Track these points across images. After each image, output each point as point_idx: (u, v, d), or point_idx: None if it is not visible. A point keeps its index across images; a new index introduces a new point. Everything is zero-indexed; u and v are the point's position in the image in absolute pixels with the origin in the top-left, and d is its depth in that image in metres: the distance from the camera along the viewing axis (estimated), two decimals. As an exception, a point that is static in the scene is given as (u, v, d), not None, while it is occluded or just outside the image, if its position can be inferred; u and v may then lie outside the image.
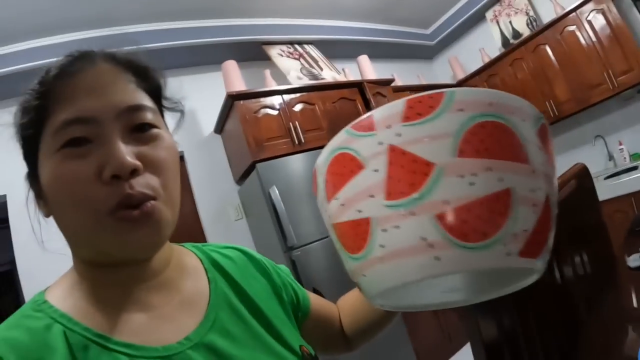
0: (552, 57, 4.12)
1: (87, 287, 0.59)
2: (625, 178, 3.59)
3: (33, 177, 0.60)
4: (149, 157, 0.57)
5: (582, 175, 1.75)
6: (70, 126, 0.53)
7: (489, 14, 4.74)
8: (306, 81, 3.52)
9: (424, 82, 4.79)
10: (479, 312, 1.01)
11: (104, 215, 0.53)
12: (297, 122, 3.14)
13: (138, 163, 0.54)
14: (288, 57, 3.69)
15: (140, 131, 0.58)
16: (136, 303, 0.60)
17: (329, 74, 3.78)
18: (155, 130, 0.60)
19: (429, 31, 5.14)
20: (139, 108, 0.59)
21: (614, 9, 3.68)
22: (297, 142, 3.09)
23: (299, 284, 0.89)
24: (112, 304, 0.58)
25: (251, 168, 2.96)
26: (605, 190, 3.52)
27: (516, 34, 4.50)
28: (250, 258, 0.83)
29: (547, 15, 4.26)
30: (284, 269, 0.90)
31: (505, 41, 4.62)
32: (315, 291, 0.92)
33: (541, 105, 4.23)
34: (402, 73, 4.74)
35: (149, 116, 0.60)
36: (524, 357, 1.09)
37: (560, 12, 4.01)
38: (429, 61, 5.57)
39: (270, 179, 2.82)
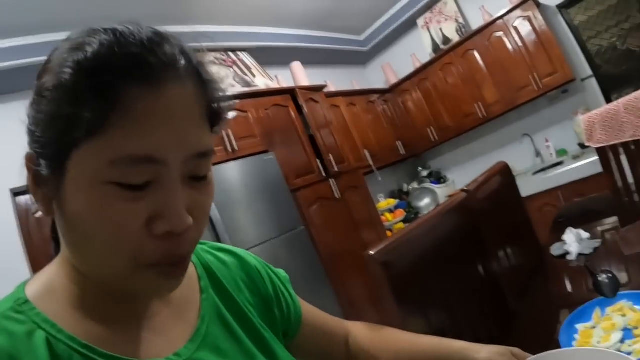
0: (481, 62, 4.29)
1: (74, 291, 0.52)
2: (552, 173, 3.79)
3: (48, 169, 0.47)
4: (200, 206, 0.51)
5: (504, 173, 1.80)
6: (136, 165, 0.44)
7: (420, 21, 4.85)
8: (239, 89, 3.47)
9: (357, 87, 4.82)
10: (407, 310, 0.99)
11: (142, 266, 0.48)
12: (230, 130, 3.07)
13: (191, 221, 0.48)
14: (221, 64, 3.62)
15: (197, 179, 0.51)
16: (125, 313, 0.55)
17: (261, 81, 3.74)
18: (209, 175, 0.53)
19: (362, 38, 5.19)
20: (207, 155, 0.50)
21: (540, 16, 3.89)
22: (230, 150, 3.02)
23: (293, 294, 0.82)
24: (100, 312, 0.53)
25: (185, 178, 2.87)
26: (534, 185, 3.68)
27: (446, 40, 4.64)
28: (243, 265, 0.76)
29: (476, 22, 4.42)
30: (282, 275, 0.84)
31: (435, 47, 4.75)
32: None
33: (471, 107, 4.42)
34: (336, 79, 4.75)
35: (209, 164, 0.52)
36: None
37: (489, 19, 4.18)
38: (362, 67, 5.63)
39: (203, 189, 2.74)
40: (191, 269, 0.68)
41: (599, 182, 3.39)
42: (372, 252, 0.96)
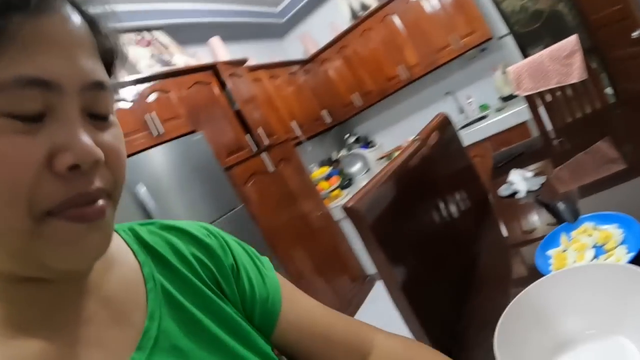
0: (400, 25, 4.35)
1: None
2: (477, 126, 4.01)
3: None
4: (110, 147, 0.44)
5: (444, 125, 1.83)
6: (26, 88, 0.37)
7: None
8: (158, 68, 3.29)
9: (277, 60, 4.73)
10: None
11: (44, 214, 0.39)
12: (153, 113, 2.91)
13: (102, 153, 0.42)
14: (136, 45, 3.42)
15: (98, 117, 0.44)
16: (50, 325, 0.45)
17: (181, 59, 3.58)
18: (112, 117, 0.47)
19: (277, 9, 5.09)
20: (105, 87, 0.45)
21: (457, -22, 3.99)
22: (156, 133, 2.87)
23: (266, 274, 0.67)
24: (17, 328, 0.43)
25: (111, 168, 2.69)
26: (461, 139, 3.82)
27: (364, 6, 4.64)
28: (194, 240, 0.63)
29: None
30: (266, 263, 0.70)
31: (354, 13, 4.74)
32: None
33: (393, 70, 4.50)
34: (255, 53, 4.61)
35: (110, 100, 0.46)
36: (432, 285, 1.09)
37: (407, -16, 4.22)
38: (279, 40, 5.52)
39: (134, 177, 2.59)
40: (129, 257, 0.57)
41: (521, 131, 3.64)
42: (350, 204, 0.93)
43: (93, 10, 0.47)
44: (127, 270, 0.55)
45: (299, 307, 0.68)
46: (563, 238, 1.04)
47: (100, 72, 0.45)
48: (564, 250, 1.00)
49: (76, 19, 0.43)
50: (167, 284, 0.56)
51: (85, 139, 0.40)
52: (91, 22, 0.46)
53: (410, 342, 0.73)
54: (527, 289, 0.77)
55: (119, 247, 0.57)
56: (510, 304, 0.75)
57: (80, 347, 0.45)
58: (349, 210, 0.93)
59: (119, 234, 0.59)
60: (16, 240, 0.39)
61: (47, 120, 0.39)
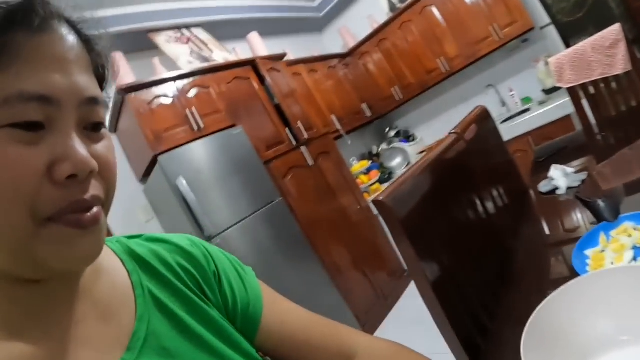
0: (440, 17, 4.28)
1: None
2: (519, 120, 3.90)
3: None
4: (102, 159, 0.48)
5: (483, 118, 1.80)
6: (28, 102, 0.41)
7: (375, -19, 4.77)
8: (197, 65, 3.36)
9: (315, 54, 4.73)
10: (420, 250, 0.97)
11: (45, 220, 0.43)
12: (193, 108, 2.98)
13: (96, 164, 0.46)
14: (176, 42, 3.49)
15: (91, 129, 0.49)
16: (42, 325, 0.48)
17: (220, 55, 3.63)
18: (104, 130, 0.51)
19: (315, 4, 5.10)
20: (99, 102, 0.49)
21: (495, -33, 3.88)
22: (196, 128, 2.94)
23: (248, 282, 0.71)
24: (9, 328, 0.45)
25: (153, 162, 2.78)
26: (503, 133, 3.73)
27: (402, -2, 4.57)
28: (178, 249, 0.67)
29: (432, -23, 4.37)
30: (234, 259, 0.74)
31: (392, 6, 4.69)
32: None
33: (433, 63, 4.43)
34: (294, 48, 4.64)
35: (102, 113, 0.50)
36: (465, 286, 1.08)
37: (445, -26, 4.13)
38: (318, 34, 5.54)
39: (175, 170, 2.66)
40: (118, 265, 0.60)
41: (565, 124, 3.53)
42: (380, 198, 0.94)
43: (87, 30, 0.50)
44: (116, 277, 0.58)
45: (281, 313, 0.71)
46: (602, 238, 1.01)
47: (94, 88, 0.49)
48: (602, 251, 0.97)
49: (72, 38, 0.47)
50: (154, 290, 0.59)
51: (82, 150, 0.44)
52: (86, 41, 0.50)
53: (395, 345, 0.75)
54: (559, 289, 0.75)
55: (109, 257, 0.60)
56: (541, 304, 0.73)
57: (72, 346, 0.48)
58: (378, 204, 0.94)
59: (108, 246, 0.62)
60: (17, 240, 0.42)
61: (47, 132, 0.43)
